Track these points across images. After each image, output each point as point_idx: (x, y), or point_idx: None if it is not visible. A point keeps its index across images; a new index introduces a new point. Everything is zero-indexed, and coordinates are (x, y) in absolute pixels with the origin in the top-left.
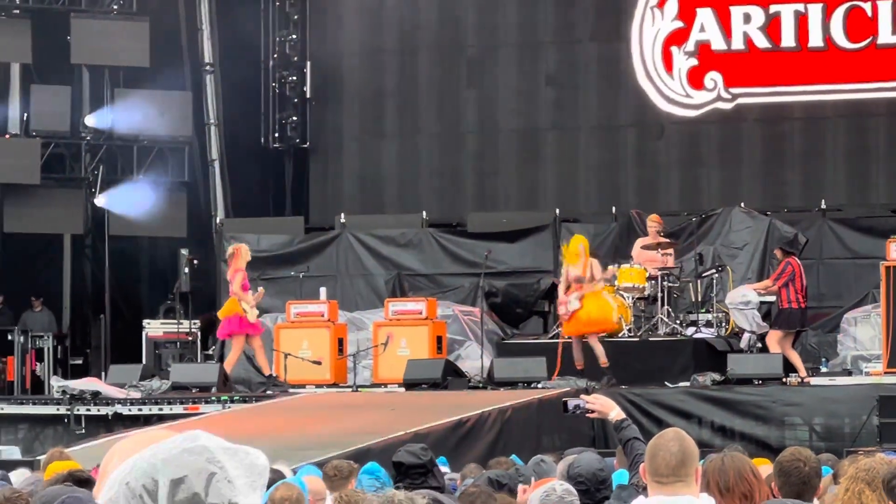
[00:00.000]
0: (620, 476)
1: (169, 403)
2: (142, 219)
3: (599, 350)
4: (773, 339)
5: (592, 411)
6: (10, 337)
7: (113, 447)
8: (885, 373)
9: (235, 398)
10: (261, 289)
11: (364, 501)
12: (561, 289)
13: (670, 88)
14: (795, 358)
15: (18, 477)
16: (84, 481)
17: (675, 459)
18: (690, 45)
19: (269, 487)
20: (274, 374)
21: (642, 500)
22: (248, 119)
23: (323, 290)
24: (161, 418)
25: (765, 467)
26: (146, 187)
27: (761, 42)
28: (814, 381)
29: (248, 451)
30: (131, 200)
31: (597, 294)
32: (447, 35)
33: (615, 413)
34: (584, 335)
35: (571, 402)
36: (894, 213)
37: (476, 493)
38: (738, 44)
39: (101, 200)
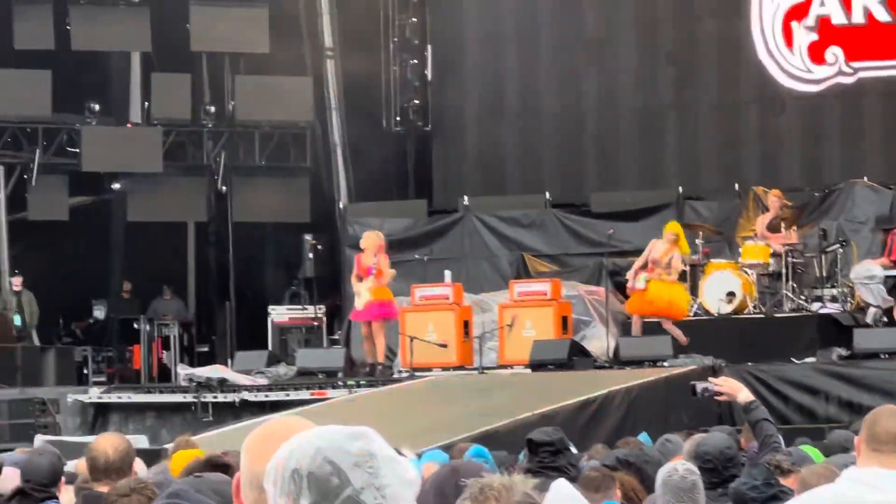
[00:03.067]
0: None
1: (295, 389)
2: (265, 205)
3: (676, 332)
4: None
5: (721, 395)
6: (136, 325)
7: (252, 434)
8: None
9: (362, 383)
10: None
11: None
12: (638, 263)
13: (791, 64)
14: None
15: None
16: (222, 466)
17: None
18: (810, 20)
19: None
20: (378, 363)
21: (853, 470)
22: (370, 103)
23: (447, 273)
24: (288, 404)
25: None
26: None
27: (881, 15)
28: None
29: (404, 466)
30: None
31: (669, 283)
32: (566, 14)
33: (743, 395)
34: (645, 316)
35: (700, 386)
36: None
37: (597, 476)
38: (858, 17)
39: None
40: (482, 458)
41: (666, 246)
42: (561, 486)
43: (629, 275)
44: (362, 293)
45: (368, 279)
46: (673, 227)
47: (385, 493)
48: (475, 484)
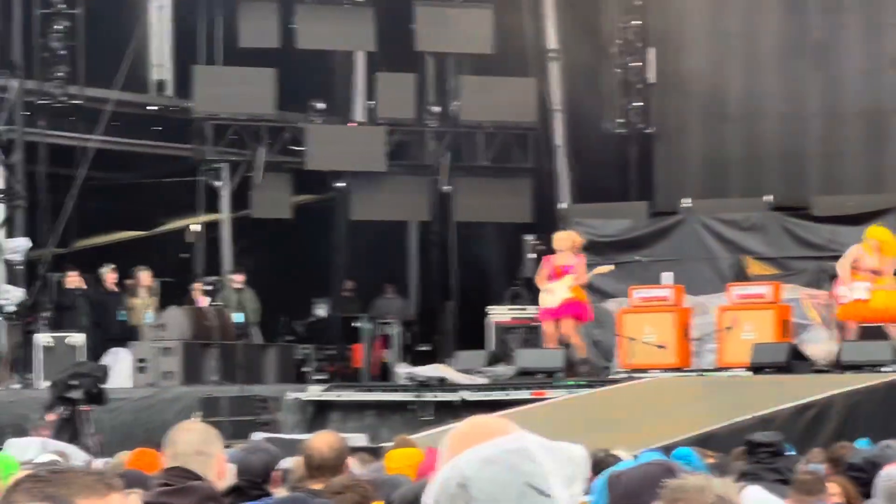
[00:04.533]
0: None
1: (515, 389)
2: (487, 205)
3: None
4: None
5: None
6: (357, 324)
7: (449, 434)
8: None
9: (581, 383)
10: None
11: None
12: (846, 271)
13: None
14: None
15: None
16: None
17: None
18: None
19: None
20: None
21: None
22: (592, 105)
23: (667, 275)
24: (508, 404)
25: None
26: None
27: None
28: None
29: (565, 447)
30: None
31: (890, 292)
32: (791, 16)
33: None
34: (867, 322)
35: None
36: None
37: (810, 479)
38: None
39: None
40: (686, 460)
41: (876, 254)
42: (755, 492)
43: (839, 286)
44: (556, 291)
45: (567, 277)
46: (876, 233)
47: (550, 482)
48: (671, 484)
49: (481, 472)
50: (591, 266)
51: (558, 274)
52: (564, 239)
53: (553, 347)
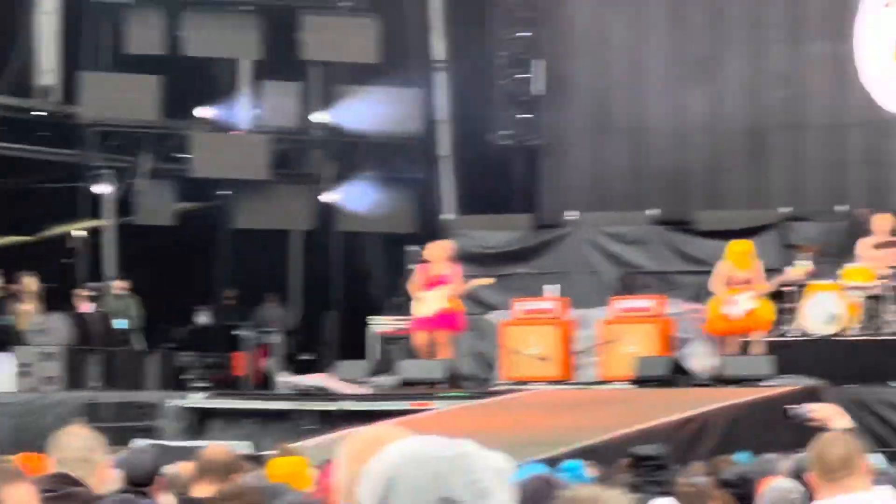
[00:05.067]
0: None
1: (397, 400)
2: (370, 215)
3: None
4: None
5: (814, 420)
6: (239, 333)
7: (347, 442)
8: None
9: (464, 395)
10: None
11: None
12: (720, 287)
13: None
14: None
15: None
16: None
17: (845, 453)
18: None
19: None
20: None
21: None
22: (478, 116)
23: (551, 288)
24: (389, 414)
25: None
26: (374, 184)
27: None
28: None
29: (493, 457)
30: (361, 197)
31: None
32: (676, 32)
33: (841, 422)
34: (736, 334)
35: (793, 410)
36: None
37: (693, 491)
38: None
39: (331, 197)
40: (574, 473)
41: (743, 265)
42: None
43: (724, 301)
44: (430, 301)
45: (442, 288)
46: (736, 245)
47: (480, 487)
48: (565, 495)
49: (406, 470)
50: (469, 277)
51: (432, 284)
52: (439, 248)
53: (427, 357)
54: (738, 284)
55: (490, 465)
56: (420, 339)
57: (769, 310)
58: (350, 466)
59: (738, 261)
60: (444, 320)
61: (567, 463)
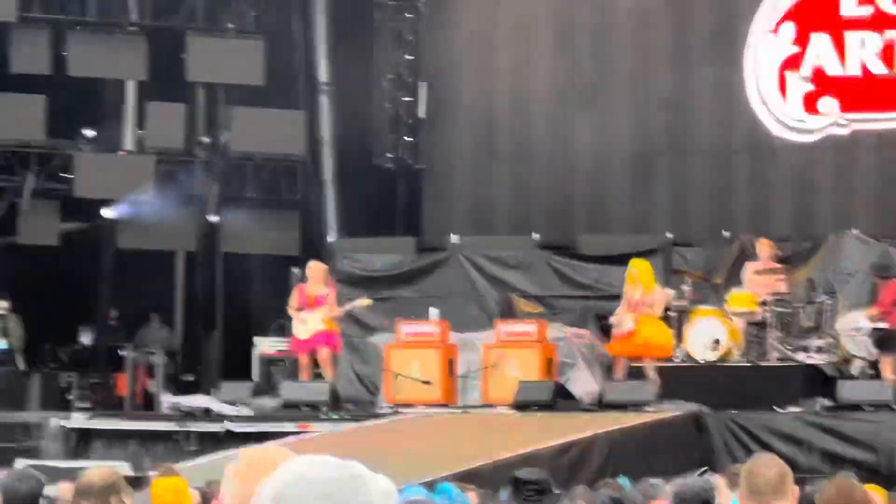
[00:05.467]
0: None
1: (280, 421)
2: (254, 236)
3: (653, 376)
4: (887, 365)
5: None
6: (122, 353)
7: (236, 463)
8: None
9: (346, 417)
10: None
11: None
12: (623, 308)
13: (785, 113)
14: None
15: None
16: None
17: (776, 476)
18: (805, 70)
19: None
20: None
21: None
22: (362, 139)
23: (434, 311)
24: (273, 436)
25: (876, 495)
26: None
27: (876, 68)
28: None
29: (381, 478)
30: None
31: (655, 319)
32: (561, 57)
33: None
34: (635, 357)
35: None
36: None
37: None
38: (853, 69)
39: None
40: (450, 496)
41: (639, 286)
42: None
43: (613, 320)
44: (309, 322)
45: (321, 308)
46: (634, 264)
47: None
48: None
49: (296, 490)
50: (350, 299)
51: (311, 304)
52: (316, 269)
53: (308, 379)
54: (634, 305)
55: (379, 487)
56: (302, 360)
57: (667, 334)
58: (239, 486)
59: (631, 281)
60: (321, 340)
61: (441, 485)
